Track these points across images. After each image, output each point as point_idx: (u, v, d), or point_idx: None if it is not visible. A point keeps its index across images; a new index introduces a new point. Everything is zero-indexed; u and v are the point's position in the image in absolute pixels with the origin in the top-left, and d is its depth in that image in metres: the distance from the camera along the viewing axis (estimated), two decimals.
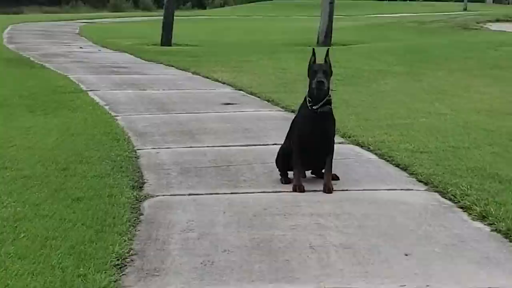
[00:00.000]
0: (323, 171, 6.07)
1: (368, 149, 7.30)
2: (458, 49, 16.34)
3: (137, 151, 7.15)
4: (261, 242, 4.58)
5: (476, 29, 21.86)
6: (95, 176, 5.95)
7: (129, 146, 7.30)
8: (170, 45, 20.01)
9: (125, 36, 23.54)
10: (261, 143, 7.59)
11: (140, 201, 5.43)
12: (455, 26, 22.69)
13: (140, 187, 5.84)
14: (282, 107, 9.75)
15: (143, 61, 15.96)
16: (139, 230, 4.75)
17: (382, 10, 42.63)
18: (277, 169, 6.22)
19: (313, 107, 5.81)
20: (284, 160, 6.11)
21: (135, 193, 5.56)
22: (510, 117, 8.99)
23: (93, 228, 4.61)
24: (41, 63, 14.95)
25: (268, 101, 10.30)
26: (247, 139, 7.81)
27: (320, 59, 5.89)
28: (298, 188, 5.79)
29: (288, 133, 6.20)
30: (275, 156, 6.24)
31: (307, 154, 5.92)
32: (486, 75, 13.05)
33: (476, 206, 5.26)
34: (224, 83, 12.15)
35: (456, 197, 5.54)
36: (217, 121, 8.84)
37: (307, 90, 5.93)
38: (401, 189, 5.88)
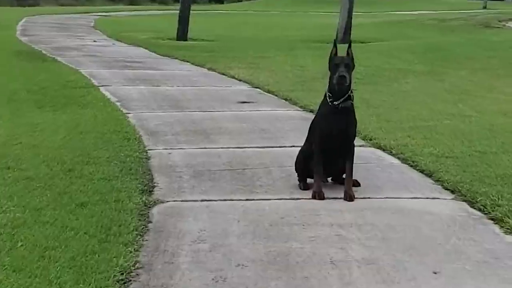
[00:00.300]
0: (343, 176, 5.74)
1: (390, 153, 6.95)
2: (480, 48, 15.91)
3: (148, 151, 6.84)
4: (277, 255, 4.24)
5: (498, 27, 21.35)
6: (102, 178, 5.63)
7: (140, 146, 6.98)
8: (186, 40, 19.67)
9: (141, 29, 23.24)
10: (279, 145, 7.26)
11: (149, 207, 5.11)
12: (476, 24, 22.20)
13: (149, 191, 5.52)
14: (300, 107, 9.41)
15: (157, 56, 15.65)
16: (146, 240, 4.42)
17: (401, 7, 42.11)
18: (296, 173, 5.88)
19: (334, 103, 5.47)
20: (304, 165, 5.77)
21: (144, 198, 5.23)
22: None
23: (97, 237, 4.28)
24: (53, 56, 14.66)
25: (285, 100, 9.96)
26: (264, 140, 7.48)
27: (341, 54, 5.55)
28: (318, 195, 5.44)
29: (308, 136, 5.85)
30: (293, 159, 5.92)
31: (328, 156, 5.58)
32: (510, 75, 12.63)
33: (509, 218, 4.89)
34: (240, 80, 11.81)
35: (486, 208, 5.18)
36: (232, 120, 8.51)
37: (327, 85, 5.59)
38: (427, 198, 5.53)
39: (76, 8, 41.38)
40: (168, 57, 15.26)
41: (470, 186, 5.68)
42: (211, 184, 5.80)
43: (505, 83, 11.74)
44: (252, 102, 9.73)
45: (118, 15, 35.84)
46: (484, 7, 40.96)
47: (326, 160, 5.60)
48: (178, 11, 20.61)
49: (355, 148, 5.71)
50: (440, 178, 5.99)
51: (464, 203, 5.39)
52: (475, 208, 5.24)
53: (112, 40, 19.85)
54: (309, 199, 5.44)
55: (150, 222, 4.77)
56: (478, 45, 16.37)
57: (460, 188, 5.65)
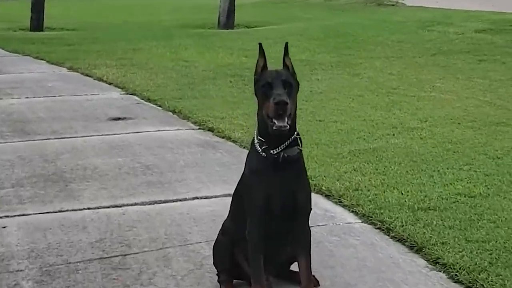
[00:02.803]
0: (290, 267, 3.50)
1: (340, 203, 4.76)
2: (385, 31, 13.98)
3: None
4: None
5: (392, 4, 19.57)
6: None
7: None
8: (42, 30, 16.54)
9: None
10: (175, 197, 4.90)
11: None
12: (367, 2, 20.41)
13: None
14: (195, 123, 7.04)
15: (5, 53, 12.53)
16: None
17: None
18: (214, 266, 3.55)
19: (271, 152, 3.15)
20: (228, 256, 3.44)
21: None
22: (505, 129, 6.63)
23: None
24: None
25: (173, 112, 7.53)
26: (152, 187, 5.10)
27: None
28: None
29: (231, 207, 3.51)
30: (200, 224, 3.70)
31: (269, 242, 3.27)
32: (431, 64, 10.70)
33: None
34: (110, 83, 9.22)
35: None
36: (102, 151, 6.05)
37: (256, 124, 3.26)
38: None
39: None
40: (18, 54, 12.29)
41: (498, 278, 3.52)
42: None
43: (431, 75, 9.77)
44: (129, 119, 7.26)
45: None
46: None
47: (267, 250, 3.28)
48: None
49: None
50: (437, 257, 3.82)
51: None
52: None
53: None
54: None
55: None
56: (381, 28, 14.44)
57: (483, 284, 3.48)
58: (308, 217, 3.31)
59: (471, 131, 6.60)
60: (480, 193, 4.84)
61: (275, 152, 3.15)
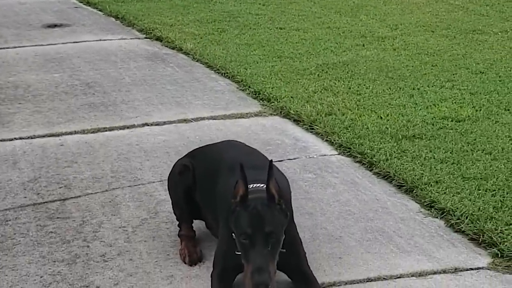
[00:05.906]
0: None
1: (311, 130, 4.20)
2: None
3: None
4: None
5: None
6: None
7: None
8: None
9: None
10: (121, 124, 4.26)
11: None
12: None
13: None
14: (140, 30, 6.32)
15: None
16: None
17: None
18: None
19: None
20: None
21: None
22: (482, 37, 6.05)
23: None
24: None
25: (116, 17, 6.76)
26: (94, 111, 4.44)
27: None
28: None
29: None
30: (156, 162, 3.21)
31: None
32: None
33: None
34: None
35: None
36: (37, 66, 5.31)
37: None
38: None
39: None
40: None
41: (509, 229, 3.00)
42: None
43: None
44: (66, 26, 6.47)
45: None
46: None
47: None
48: None
49: None
50: (433, 200, 3.30)
51: None
52: None
53: None
54: None
55: None
56: None
57: (492, 235, 2.96)
58: None
59: (447, 40, 6.01)
60: (468, 116, 4.29)
61: None
